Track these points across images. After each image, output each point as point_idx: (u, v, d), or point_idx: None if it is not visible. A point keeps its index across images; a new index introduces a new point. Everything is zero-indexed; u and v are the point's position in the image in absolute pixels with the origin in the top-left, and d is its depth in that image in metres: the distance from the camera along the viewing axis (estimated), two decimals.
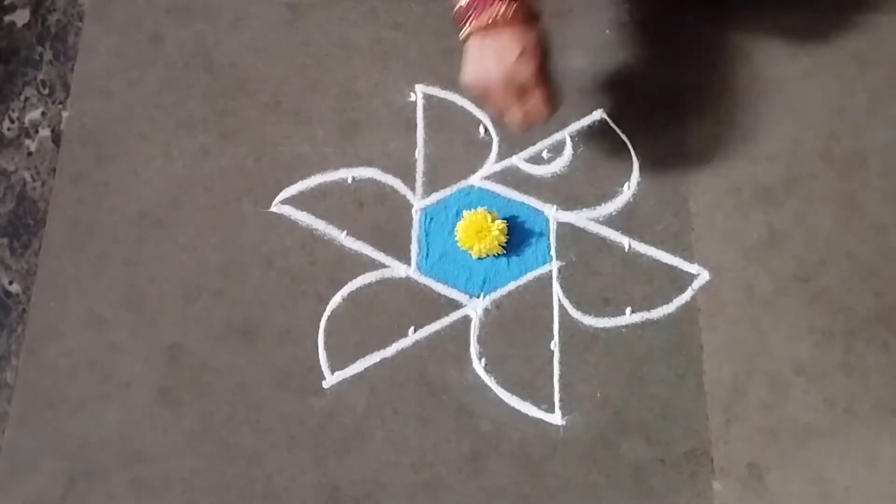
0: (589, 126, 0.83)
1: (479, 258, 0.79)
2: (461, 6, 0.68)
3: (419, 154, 0.83)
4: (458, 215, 0.80)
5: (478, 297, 0.78)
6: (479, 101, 0.73)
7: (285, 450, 0.73)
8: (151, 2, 0.89)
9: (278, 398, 0.75)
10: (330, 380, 0.75)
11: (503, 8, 0.66)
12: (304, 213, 0.81)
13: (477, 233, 0.78)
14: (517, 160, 0.82)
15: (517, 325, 0.77)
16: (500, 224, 0.78)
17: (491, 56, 0.68)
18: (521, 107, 0.70)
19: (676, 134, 0.83)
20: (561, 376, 0.75)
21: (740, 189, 0.81)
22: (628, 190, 0.81)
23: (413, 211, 0.81)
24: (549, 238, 0.80)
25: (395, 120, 0.84)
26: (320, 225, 0.80)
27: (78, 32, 0.89)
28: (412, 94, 0.85)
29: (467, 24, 0.68)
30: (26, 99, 0.87)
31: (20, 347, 0.77)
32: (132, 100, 0.85)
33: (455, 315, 0.77)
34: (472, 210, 0.79)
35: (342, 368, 0.76)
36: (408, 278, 0.79)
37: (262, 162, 0.83)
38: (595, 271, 0.78)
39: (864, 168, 0.81)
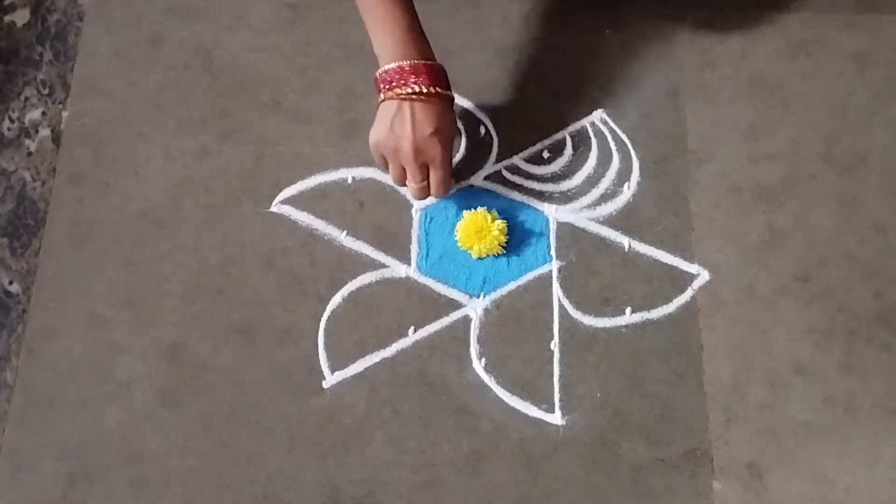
0: (589, 126, 0.83)
1: (479, 258, 0.79)
2: (386, 70, 0.70)
3: None
4: (458, 215, 0.80)
5: (478, 297, 0.78)
6: (381, 161, 0.75)
7: (285, 450, 0.73)
8: (151, 2, 0.89)
9: (278, 398, 0.75)
10: (330, 380, 0.75)
11: (426, 87, 0.69)
12: (304, 213, 0.81)
13: (477, 233, 0.78)
14: (517, 160, 0.82)
15: (517, 325, 0.77)
16: (500, 224, 0.78)
17: (406, 124, 0.70)
18: (420, 180, 0.73)
19: (676, 134, 0.83)
20: (561, 376, 0.75)
21: (740, 189, 0.81)
22: (628, 190, 0.81)
23: (413, 211, 0.81)
24: (549, 238, 0.80)
25: None
26: (320, 225, 0.80)
27: (78, 32, 0.89)
28: None
29: (388, 90, 0.70)
30: (26, 99, 0.87)
31: (20, 347, 0.77)
32: (132, 100, 0.85)
33: (455, 315, 0.77)
34: (472, 210, 0.79)
35: (342, 368, 0.76)
36: (408, 278, 0.79)
37: (262, 162, 0.83)
38: (595, 271, 0.78)
39: (864, 168, 0.81)
